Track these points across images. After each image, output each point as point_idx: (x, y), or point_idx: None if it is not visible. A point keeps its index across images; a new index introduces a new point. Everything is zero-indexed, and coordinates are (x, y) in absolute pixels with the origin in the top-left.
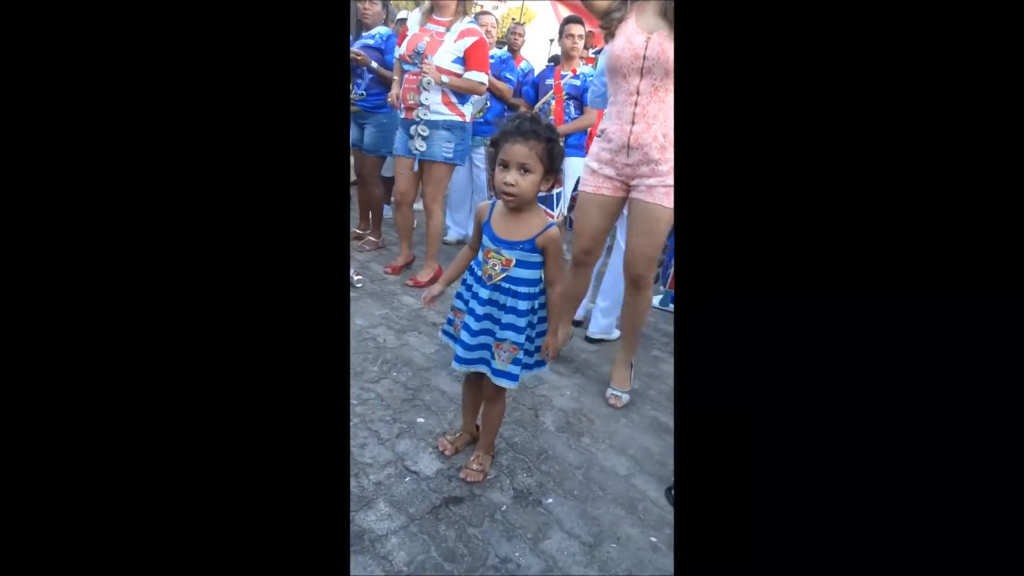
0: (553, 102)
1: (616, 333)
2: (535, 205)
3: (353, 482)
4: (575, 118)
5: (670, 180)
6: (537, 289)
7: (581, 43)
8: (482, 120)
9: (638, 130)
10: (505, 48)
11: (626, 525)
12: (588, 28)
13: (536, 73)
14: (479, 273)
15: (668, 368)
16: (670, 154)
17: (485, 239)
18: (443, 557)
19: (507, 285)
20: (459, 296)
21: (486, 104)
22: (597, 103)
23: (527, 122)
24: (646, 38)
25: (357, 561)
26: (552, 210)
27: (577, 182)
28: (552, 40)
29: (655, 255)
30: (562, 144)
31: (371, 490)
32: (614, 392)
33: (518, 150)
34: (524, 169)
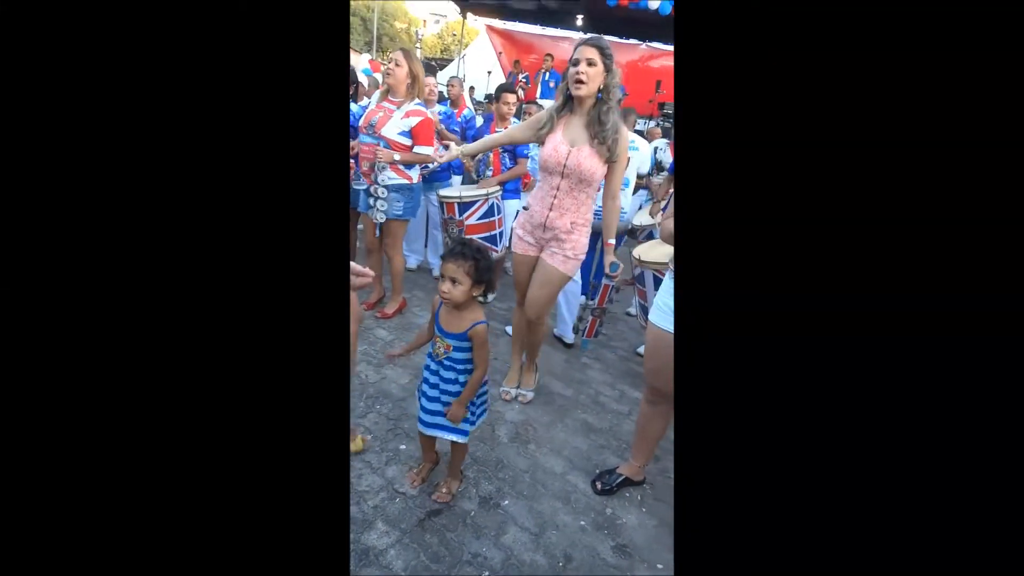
0: (491, 154)
1: (570, 337)
2: (471, 304)
3: (355, 508)
4: (510, 167)
5: (571, 253)
6: (471, 366)
7: (513, 108)
8: (439, 168)
9: (553, 216)
10: (448, 103)
11: (562, 514)
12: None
13: (478, 123)
14: (432, 351)
15: (595, 374)
16: (575, 235)
17: (435, 327)
18: (430, 560)
19: (448, 362)
20: (425, 367)
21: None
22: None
23: (459, 246)
24: (568, 150)
25: (367, 573)
26: (496, 246)
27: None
28: (489, 72)
29: (547, 303)
30: (490, 259)
31: (370, 513)
32: (522, 392)
33: (450, 267)
34: (455, 281)
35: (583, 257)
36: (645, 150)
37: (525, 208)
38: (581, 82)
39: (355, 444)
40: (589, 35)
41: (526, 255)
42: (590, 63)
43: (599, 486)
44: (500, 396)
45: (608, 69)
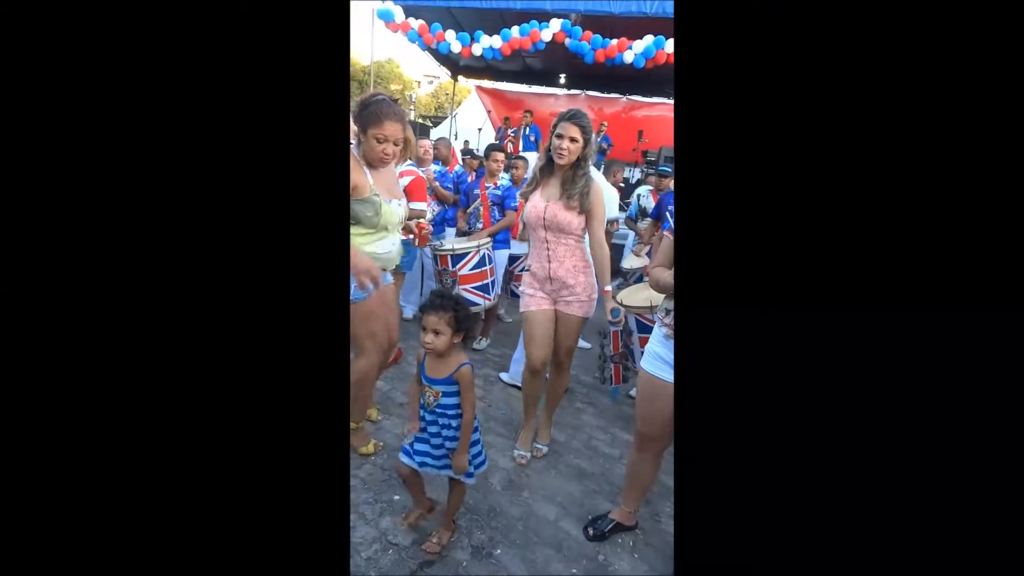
0: (481, 208)
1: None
2: (453, 350)
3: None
4: (499, 220)
5: (584, 296)
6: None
7: (502, 165)
8: (434, 223)
9: (553, 267)
10: (440, 162)
11: (555, 562)
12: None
13: (470, 178)
14: (422, 402)
15: (589, 418)
16: (581, 277)
17: (421, 377)
18: None
19: (439, 410)
20: (421, 418)
21: (435, 211)
22: None
23: (438, 299)
24: (544, 205)
25: None
26: (489, 295)
27: (506, 271)
28: (480, 129)
29: (572, 347)
30: (468, 308)
31: (363, 566)
32: (537, 446)
33: (431, 320)
34: (437, 332)
35: (596, 296)
36: (612, 197)
37: (525, 270)
38: (562, 154)
39: (367, 447)
40: (572, 110)
41: (541, 309)
42: (572, 140)
43: (591, 532)
44: (516, 460)
45: (587, 143)
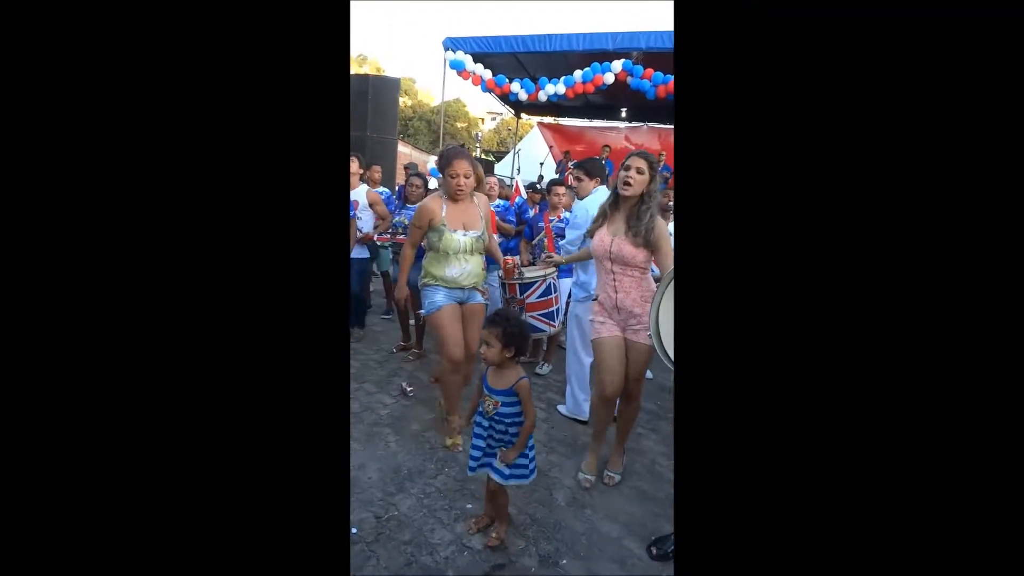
0: (545, 239)
1: (585, 414)
2: (510, 364)
3: (429, 558)
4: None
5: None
6: (521, 419)
7: (564, 199)
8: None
9: (620, 297)
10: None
11: None
12: (568, 184)
13: (532, 211)
14: (481, 409)
15: (650, 444)
16: (646, 307)
17: (484, 387)
18: None
19: (498, 417)
20: (476, 424)
21: (498, 243)
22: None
23: (493, 315)
24: (611, 239)
25: None
26: (553, 321)
27: (569, 295)
28: (542, 163)
29: (641, 376)
30: (521, 325)
31: (442, 563)
32: (610, 473)
33: (484, 333)
34: (488, 344)
35: None
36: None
37: (595, 298)
38: (628, 184)
39: (454, 440)
40: (643, 150)
41: (612, 335)
42: (639, 171)
43: (654, 551)
44: (581, 484)
45: (652, 178)
